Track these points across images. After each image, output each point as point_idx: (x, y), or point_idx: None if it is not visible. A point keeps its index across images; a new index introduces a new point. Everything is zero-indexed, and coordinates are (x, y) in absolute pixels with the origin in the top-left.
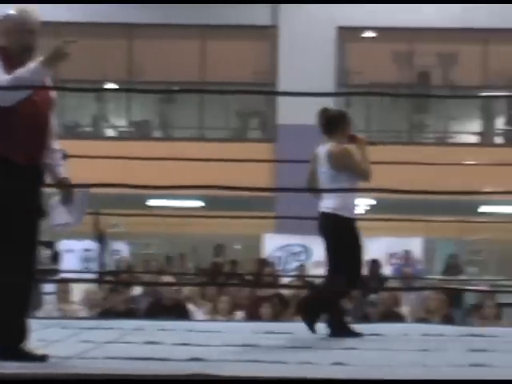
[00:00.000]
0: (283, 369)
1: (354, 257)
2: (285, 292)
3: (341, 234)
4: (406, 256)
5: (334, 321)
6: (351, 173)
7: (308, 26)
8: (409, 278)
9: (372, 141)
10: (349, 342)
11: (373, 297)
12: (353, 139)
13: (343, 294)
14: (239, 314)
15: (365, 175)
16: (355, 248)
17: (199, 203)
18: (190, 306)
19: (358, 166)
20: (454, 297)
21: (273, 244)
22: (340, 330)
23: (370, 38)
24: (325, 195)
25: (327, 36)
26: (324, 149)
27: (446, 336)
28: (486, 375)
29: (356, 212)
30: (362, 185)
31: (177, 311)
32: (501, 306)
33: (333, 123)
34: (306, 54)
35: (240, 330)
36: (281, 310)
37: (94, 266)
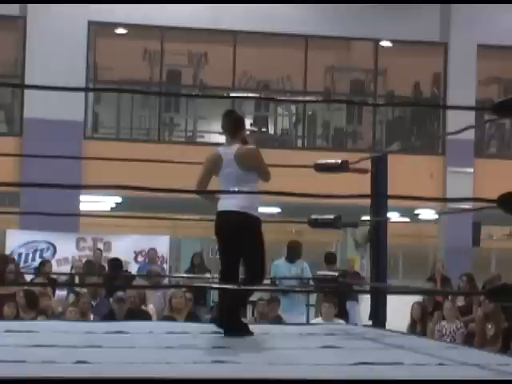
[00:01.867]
0: (23, 368)
1: (262, 255)
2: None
3: (252, 233)
4: (152, 254)
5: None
6: (257, 173)
7: (58, 19)
8: (155, 276)
9: (122, 138)
10: (98, 339)
11: (119, 294)
12: (246, 142)
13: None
14: None
15: (267, 176)
16: (263, 246)
17: None
18: None
19: (265, 166)
20: (198, 295)
21: (16, 240)
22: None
23: (121, 35)
24: (230, 195)
25: (78, 30)
26: (230, 150)
27: (190, 333)
28: (229, 372)
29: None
30: (110, 182)
31: None
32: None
33: (238, 125)
34: (56, 47)
35: None
36: (26, 308)
37: None
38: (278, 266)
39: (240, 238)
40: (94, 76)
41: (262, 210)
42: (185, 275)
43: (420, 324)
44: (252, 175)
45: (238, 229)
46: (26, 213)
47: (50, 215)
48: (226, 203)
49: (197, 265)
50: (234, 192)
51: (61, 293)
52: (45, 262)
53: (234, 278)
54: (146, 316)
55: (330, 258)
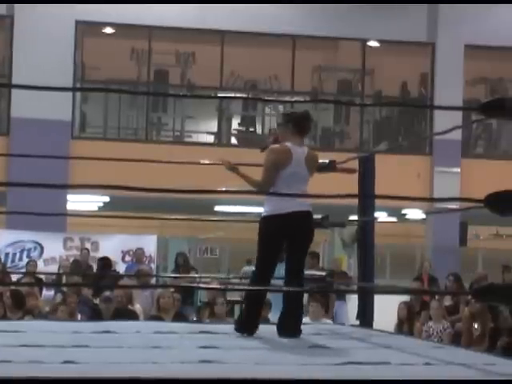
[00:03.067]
0: (9, 368)
1: None
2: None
3: (313, 231)
4: (139, 253)
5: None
6: (310, 177)
7: (46, 18)
8: (142, 275)
9: (109, 137)
10: (86, 339)
11: (106, 294)
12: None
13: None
14: None
15: None
16: None
17: None
18: None
19: None
20: (186, 294)
21: (3, 240)
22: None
23: (109, 34)
24: (300, 195)
25: (65, 30)
26: (301, 149)
27: (178, 333)
28: (216, 372)
29: None
30: (97, 182)
31: None
32: (231, 303)
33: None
34: (43, 47)
35: None
36: (12, 308)
37: None
38: None
39: (309, 238)
40: (82, 75)
41: (251, 209)
42: (172, 275)
43: (407, 324)
44: (309, 177)
45: (311, 228)
46: (13, 212)
47: (37, 215)
48: (299, 203)
49: (181, 265)
50: (225, 191)
51: (48, 293)
52: (29, 262)
53: (270, 280)
54: (133, 316)
55: (314, 255)
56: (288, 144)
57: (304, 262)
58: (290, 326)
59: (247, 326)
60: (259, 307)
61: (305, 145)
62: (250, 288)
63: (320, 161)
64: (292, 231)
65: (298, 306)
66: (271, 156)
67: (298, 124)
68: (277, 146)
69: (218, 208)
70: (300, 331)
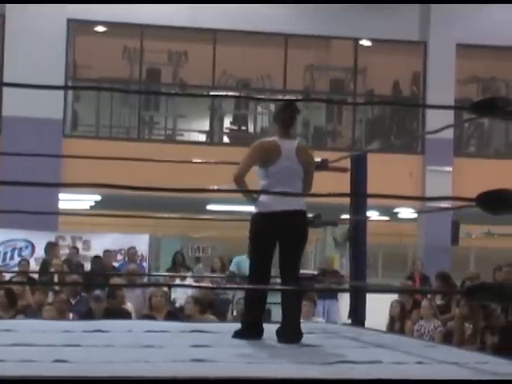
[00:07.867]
0: (1, 367)
1: None
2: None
3: (307, 231)
4: (132, 253)
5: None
6: (307, 172)
7: (37, 16)
8: (133, 274)
9: (101, 136)
10: (77, 338)
11: (97, 293)
12: None
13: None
14: None
15: (312, 179)
16: None
17: None
18: None
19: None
20: None
21: None
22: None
23: (101, 33)
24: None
25: (57, 28)
26: (289, 143)
27: (170, 332)
28: (208, 370)
29: None
30: (89, 181)
31: None
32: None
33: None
34: (35, 45)
35: None
36: (5, 307)
37: None
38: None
39: (302, 238)
40: (73, 74)
41: (241, 208)
42: (163, 273)
43: (399, 322)
44: (303, 173)
45: (304, 228)
46: (5, 211)
47: (28, 213)
48: (290, 201)
49: (179, 264)
50: (217, 190)
51: None
52: (21, 261)
53: (269, 279)
54: (126, 316)
55: None
56: (275, 138)
57: (298, 264)
58: (290, 333)
59: (251, 330)
60: (260, 309)
61: (296, 139)
62: (243, 287)
63: None
64: (281, 230)
65: (297, 310)
66: (256, 150)
67: (280, 118)
68: (264, 140)
69: (210, 207)
70: (301, 335)
